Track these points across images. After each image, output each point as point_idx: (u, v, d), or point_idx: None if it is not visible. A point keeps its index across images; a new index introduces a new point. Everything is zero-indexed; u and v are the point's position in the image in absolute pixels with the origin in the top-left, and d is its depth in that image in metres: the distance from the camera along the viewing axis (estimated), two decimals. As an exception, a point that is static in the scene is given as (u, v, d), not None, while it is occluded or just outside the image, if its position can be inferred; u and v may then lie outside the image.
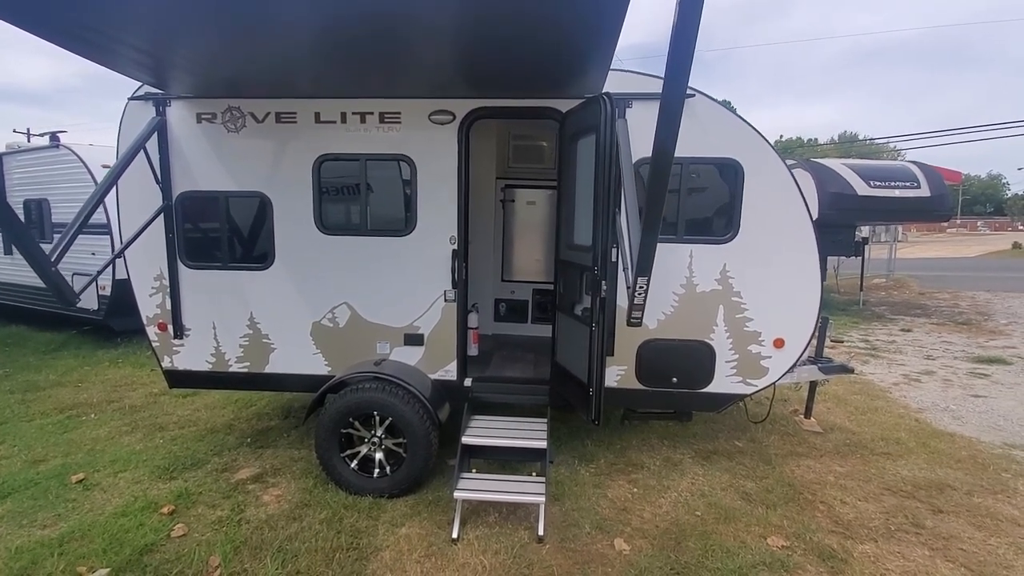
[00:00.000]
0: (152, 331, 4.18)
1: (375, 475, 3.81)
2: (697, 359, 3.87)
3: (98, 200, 3.40)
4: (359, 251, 3.95)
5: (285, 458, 4.37)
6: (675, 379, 3.89)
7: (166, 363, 4.22)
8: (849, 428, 5.07)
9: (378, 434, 3.82)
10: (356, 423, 3.79)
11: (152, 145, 3.85)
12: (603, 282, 3.07)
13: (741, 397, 3.96)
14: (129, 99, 3.91)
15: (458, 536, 3.31)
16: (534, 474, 3.67)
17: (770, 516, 3.52)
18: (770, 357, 3.84)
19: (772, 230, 3.69)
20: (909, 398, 6.11)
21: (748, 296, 3.77)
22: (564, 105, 3.69)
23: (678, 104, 2.11)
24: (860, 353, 8.22)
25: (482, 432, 3.69)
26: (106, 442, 4.67)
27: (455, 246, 3.87)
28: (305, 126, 3.87)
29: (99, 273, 3.58)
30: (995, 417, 5.44)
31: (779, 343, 3.81)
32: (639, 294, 2.80)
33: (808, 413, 5.04)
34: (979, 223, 65.27)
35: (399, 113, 3.80)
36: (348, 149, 3.86)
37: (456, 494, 3.32)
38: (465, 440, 3.59)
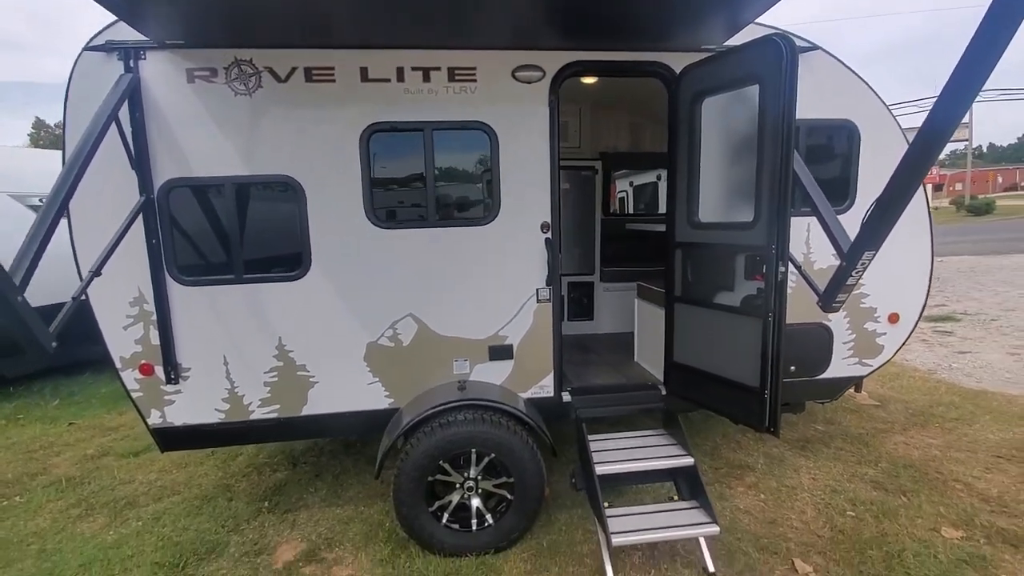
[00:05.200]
0: (131, 376, 2.99)
1: (474, 528, 3.02)
2: (816, 343, 3.53)
3: (63, 202, 2.23)
4: (426, 248, 3.10)
5: (329, 521, 3.39)
6: (793, 368, 3.52)
7: (154, 419, 3.05)
8: (897, 397, 5.08)
9: (472, 476, 3.03)
10: (446, 467, 2.97)
11: (122, 116, 2.69)
12: (779, 263, 2.56)
13: (857, 379, 3.69)
14: (84, 49, 2.72)
15: (617, 591, 2.66)
16: (675, 498, 3.11)
17: (920, 504, 3.27)
18: (885, 334, 3.61)
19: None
20: (911, 360, 6.37)
21: (866, 270, 3.49)
22: (675, 60, 3.12)
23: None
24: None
25: (614, 457, 3.04)
26: (56, 536, 3.34)
27: (548, 234, 3.17)
28: (347, 86, 2.93)
29: (76, 300, 2.39)
30: (998, 372, 5.79)
31: (894, 318, 3.59)
32: (856, 274, 2.34)
33: (859, 388, 4.96)
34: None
35: (474, 69, 2.99)
36: (407, 116, 2.99)
37: (615, 540, 2.65)
38: (602, 471, 2.92)
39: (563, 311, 5.06)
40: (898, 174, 2.10)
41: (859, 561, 2.81)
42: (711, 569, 2.76)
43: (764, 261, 2.61)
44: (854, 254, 2.35)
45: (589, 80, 4.15)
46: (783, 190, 2.51)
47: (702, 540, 2.83)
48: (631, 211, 6.30)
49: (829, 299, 2.58)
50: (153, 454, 4.51)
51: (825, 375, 3.59)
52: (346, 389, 3.16)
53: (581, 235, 5.15)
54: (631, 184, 6.50)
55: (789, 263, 2.66)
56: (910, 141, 2.56)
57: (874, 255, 2.35)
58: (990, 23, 1.67)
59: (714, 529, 2.73)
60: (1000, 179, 73.61)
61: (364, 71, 2.93)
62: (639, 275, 4.29)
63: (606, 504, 2.89)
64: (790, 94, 2.45)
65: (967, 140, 40.31)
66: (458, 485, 3.03)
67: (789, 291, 3.34)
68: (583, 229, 5.16)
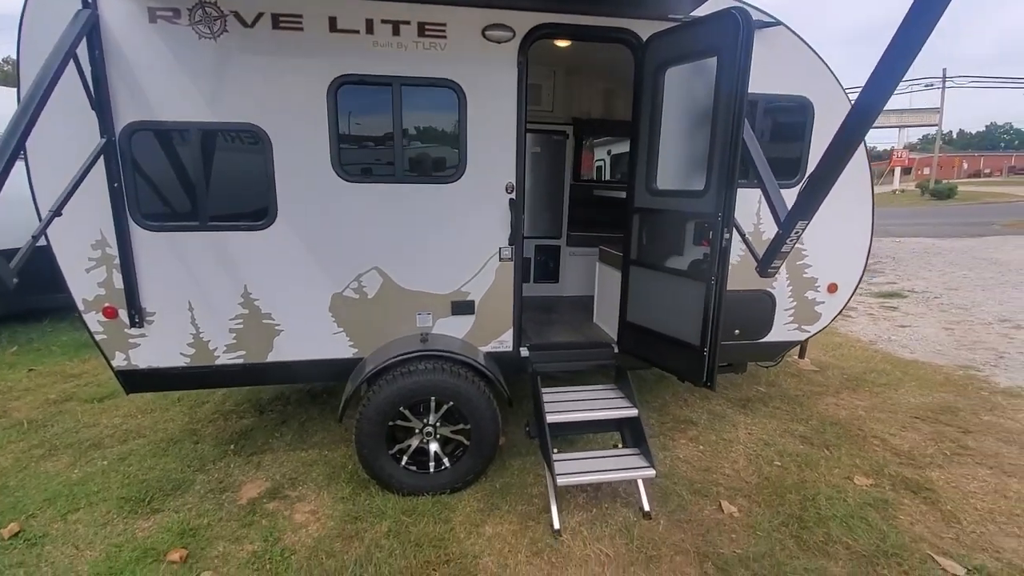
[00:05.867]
0: (94, 319, 3.02)
1: (432, 470, 3.21)
2: (760, 309, 3.77)
3: (18, 142, 2.22)
4: (392, 203, 3.17)
5: (294, 463, 3.55)
6: (737, 331, 3.76)
7: (119, 361, 3.11)
8: (836, 364, 5.45)
9: (432, 422, 3.20)
10: (407, 413, 3.13)
11: (81, 54, 2.64)
12: (725, 230, 2.73)
13: (796, 344, 3.97)
14: (38, -20, 2.63)
15: (560, 527, 2.90)
16: (619, 445, 3.36)
17: (840, 456, 3.60)
18: (824, 303, 3.87)
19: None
20: (855, 332, 6.78)
21: (809, 242, 3.71)
22: (642, 28, 3.19)
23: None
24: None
25: (565, 407, 3.24)
26: (19, 474, 3.41)
27: (512, 195, 3.26)
28: (315, 36, 2.92)
29: (36, 239, 2.39)
30: (931, 343, 6.23)
31: (832, 288, 3.84)
32: (791, 242, 2.53)
33: (802, 354, 5.30)
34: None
35: (444, 25, 3.01)
36: (376, 70, 3.00)
37: (560, 480, 2.88)
38: (552, 419, 3.13)
39: (526, 271, 5.21)
40: (829, 152, 2.27)
41: (778, 503, 3.12)
42: (647, 508, 3.02)
43: (711, 228, 2.78)
44: (789, 223, 2.53)
45: (563, 43, 4.18)
46: (732, 161, 2.66)
47: (640, 483, 3.09)
48: (608, 179, 6.40)
49: (766, 264, 2.77)
50: (118, 400, 4.57)
51: (767, 339, 3.84)
52: (311, 338, 3.26)
53: (550, 199, 5.25)
54: (609, 153, 6.58)
55: (734, 231, 2.84)
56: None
57: (807, 225, 2.54)
58: (913, 16, 1.81)
59: (651, 472, 2.99)
60: (966, 165, 75.95)
61: (333, 21, 2.92)
62: (604, 240, 4.44)
63: (555, 450, 3.11)
64: (744, 66, 2.57)
65: (937, 125, 41.29)
66: (417, 430, 3.21)
67: (737, 260, 3.57)
68: (552, 193, 5.25)
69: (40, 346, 6.08)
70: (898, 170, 46.76)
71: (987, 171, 75.28)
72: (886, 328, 6.96)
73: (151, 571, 2.54)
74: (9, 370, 5.35)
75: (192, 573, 2.54)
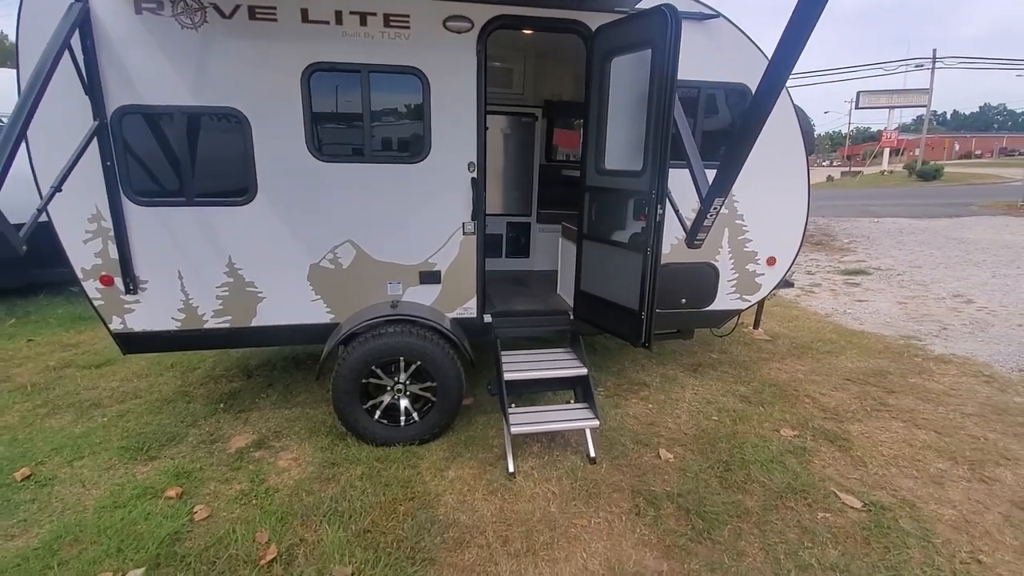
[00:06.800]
0: (92, 286, 3.33)
1: (402, 423, 3.58)
2: (704, 280, 4.11)
3: (24, 125, 2.49)
4: (364, 181, 3.46)
5: (278, 419, 3.90)
6: (684, 300, 4.12)
7: (116, 325, 3.42)
8: (788, 334, 5.85)
9: (402, 380, 3.56)
10: (378, 371, 3.48)
11: (74, 43, 2.89)
12: (659, 206, 3.06)
13: (738, 312, 4.33)
14: (32, -25, 2.87)
15: (514, 470, 3.28)
16: (571, 402, 3.72)
17: (772, 412, 4.00)
18: (763, 274, 4.22)
19: (773, 155, 3.91)
20: (814, 306, 7.19)
21: (749, 219, 4.05)
22: (592, 19, 3.47)
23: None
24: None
25: (520, 367, 3.60)
26: (26, 429, 3.75)
27: (474, 174, 3.57)
28: (289, 26, 3.18)
29: (40, 212, 2.68)
30: (882, 316, 6.64)
31: (771, 261, 4.19)
32: (711, 216, 2.86)
33: (757, 324, 5.69)
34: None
35: (407, 16, 3.27)
36: (346, 58, 3.27)
37: (513, 429, 3.26)
38: (508, 376, 3.49)
39: (500, 246, 5.53)
40: (733, 138, 2.58)
41: (710, 451, 3.52)
42: (592, 455, 3.41)
43: (647, 204, 3.11)
44: (708, 200, 2.86)
45: (527, 31, 4.43)
46: (663, 144, 2.98)
47: (588, 432, 3.47)
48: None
49: (692, 237, 3.10)
50: (115, 366, 4.90)
51: (712, 307, 4.20)
52: (291, 304, 3.59)
53: (520, 179, 5.55)
54: None
55: (669, 207, 3.17)
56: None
57: (723, 202, 2.86)
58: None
59: (595, 423, 3.37)
60: (957, 146, 76.31)
61: (304, 12, 3.18)
62: (570, 217, 4.76)
63: (512, 405, 3.48)
64: (673, 59, 2.87)
65: (926, 106, 41.51)
66: (389, 388, 3.56)
67: (683, 235, 3.90)
68: (522, 173, 5.55)
69: (37, 318, 6.37)
70: (887, 151, 47.05)
71: (978, 152, 75.60)
72: (844, 302, 7.37)
73: (150, 505, 2.90)
74: (9, 340, 5.65)
75: (186, 506, 2.90)
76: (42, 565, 2.48)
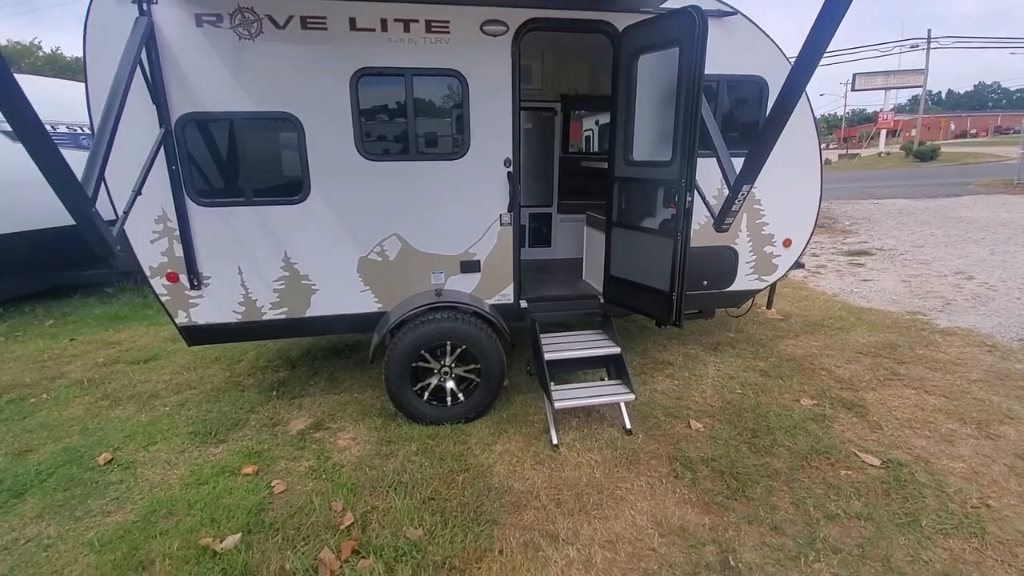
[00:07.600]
0: (159, 283, 3.57)
1: (449, 403, 3.83)
2: (724, 262, 4.37)
3: (111, 133, 2.71)
4: (409, 178, 3.70)
5: (331, 404, 4.16)
6: (706, 282, 4.37)
7: (181, 319, 3.67)
8: (800, 313, 6.11)
9: (448, 363, 3.81)
10: (426, 355, 3.73)
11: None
12: (688, 194, 3.30)
13: (757, 292, 4.58)
14: (99, -7, 3.08)
15: (558, 442, 3.54)
16: (605, 379, 3.99)
17: (792, 384, 4.27)
18: (780, 256, 4.47)
19: (789, 141, 4.13)
20: (822, 287, 7.45)
21: (766, 203, 4.29)
22: (618, 20, 3.69)
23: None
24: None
25: (559, 348, 3.86)
26: (94, 420, 4.00)
27: (510, 169, 3.80)
28: (338, 34, 3.39)
29: (127, 212, 2.91)
30: (888, 294, 6.91)
31: (787, 243, 4.44)
32: (739, 202, 3.10)
33: (770, 305, 5.95)
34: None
35: (447, 22, 3.49)
36: (391, 63, 3.49)
37: (557, 404, 3.52)
38: (548, 357, 3.75)
39: (523, 236, 5.77)
40: (764, 127, 2.82)
41: (736, 420, 3.78)
42: (628, 427, 3.67)
43: (676, 192, 3.35)
44: (736, 186, 3.10)
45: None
46: (692, 135, 3.22)
47: (623, 406, 3.73)
48: (596, 148, 6.89)
49: (720, 221, 3.34)
50: (163, 360, 5.15)
51: (732, 288, 4.46)
52: (342, 295, 3.83)
53: (541, 171, 5.78)
54: (596, 123, 7.06)
55: (696, 194, 3.41)
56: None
57: (751, 188, 3.10)
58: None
59: (630, 396, 3.63)
60: (953, 126, 76.39)
61: (352, 21, 3.39)
62: (590, 207, 5.00)
63: (552, 382, 3.74)
64: (700, 56, 3.10)
65: (921, 86, 41.60)
66: (436, 370, 3.81)
67: (706, 219, 4.14)
68: (543, 165, 5.77)
69: (75, 319, 6.61)
70: (884, 132, 47.15)
71: (973, 131, 75.67)
72: (850, 282, 7.64)
73: (231, 481, 3.16)
74: (52, 340, 5.89)
75: (264, 481, 3.16)
76: (144, 535, 2.74)
